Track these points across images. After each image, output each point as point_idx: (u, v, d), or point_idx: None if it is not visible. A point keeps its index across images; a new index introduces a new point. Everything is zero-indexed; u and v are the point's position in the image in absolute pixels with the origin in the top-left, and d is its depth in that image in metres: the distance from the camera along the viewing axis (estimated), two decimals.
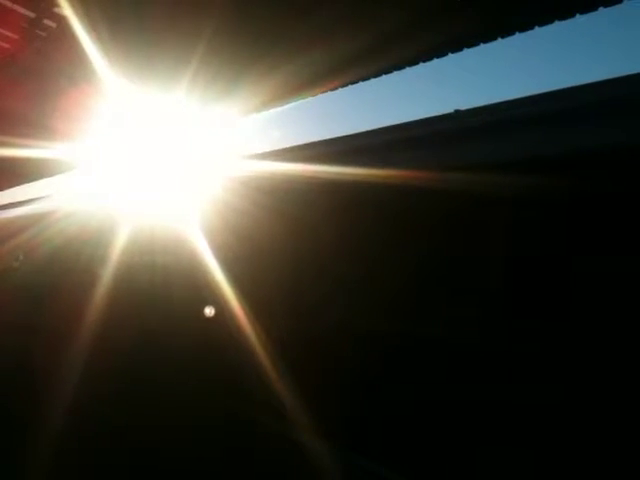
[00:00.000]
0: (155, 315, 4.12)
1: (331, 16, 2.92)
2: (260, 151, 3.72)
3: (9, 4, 3.06)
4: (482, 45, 2.65)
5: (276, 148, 3.51)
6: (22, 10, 3.19)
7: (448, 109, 2.77)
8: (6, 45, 3.54)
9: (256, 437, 3.16)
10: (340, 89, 3.23)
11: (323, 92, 3.31)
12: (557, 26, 2.63)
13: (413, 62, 2.80)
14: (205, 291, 3.70)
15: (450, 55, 2.68)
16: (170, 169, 4.16)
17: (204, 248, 3.77)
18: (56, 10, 3.22)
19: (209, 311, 3.67)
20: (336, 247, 3.09)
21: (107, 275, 4.42)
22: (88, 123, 4.36)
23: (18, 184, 7.81)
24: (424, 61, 2.77)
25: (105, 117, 4.37)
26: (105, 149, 4.60)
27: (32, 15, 3.30)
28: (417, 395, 2.64)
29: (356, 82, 3.05)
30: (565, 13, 2.55)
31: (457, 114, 2.68)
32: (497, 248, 2.56)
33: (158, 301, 4.21)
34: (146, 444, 3.05)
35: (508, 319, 2.44)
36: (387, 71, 2.91)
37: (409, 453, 2.60)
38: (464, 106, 2.63)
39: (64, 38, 3.32)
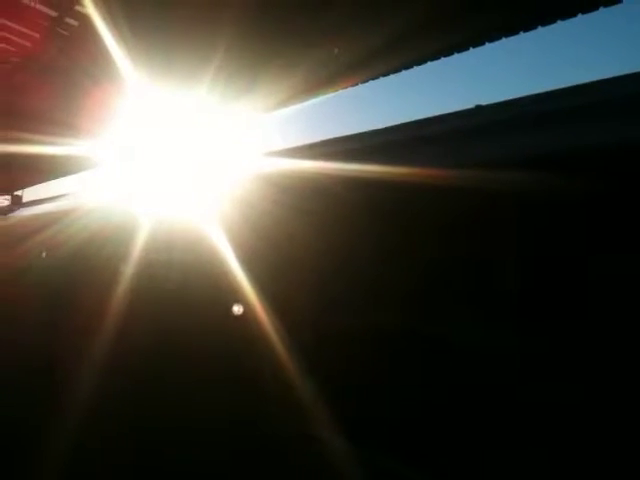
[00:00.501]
0: (175, 312, 4.15)
1: (347, 14, 2.91)
2: (279, 148, 3.71)
3: (31, 3, 3.10)
4: (487, 45, 2.62)
5: (294, 145, 3.50)
6: (44, 9, 3.23)
7: (461, 107, 2.73)
8: (28, 44, 3.59)
9: (272, 436, 3.16)
10: (359, 85, 3.20)
11: (341, 89, 3.28)
12: (560, 25, 2.63)
13: (426, 60, 2.77)
14: (224, 289, 3.71)
15: (456, 55, 2.65)
16: (191, 167, 4.17)
17: (224, 245, 3.77)
18: (78, 9, 3.25)
19: (228, 309, 3.68)
20: (355, 244, 3.06)
21: (128, 272, 4.46)
22: (110, 121, 4.41)
23: (41, 181, 7.95)
24: (440, 57, 2.74)
25: (127, 115, 4.41)
26: (127, 147, 4.64)
27: (54, 14, 3.34)
28: (425, 393, 2.63)
29: (374, 79, 3.02)
30: (566, 13, 2.53)
31: (478, 110, 2.63)
32: (514, 247, 2.53)
33: (178, 298, 4.25)
34: (159, 443, 3.07)
35: (523, 319, 2.40)
36: (403, 68, 2.88)
37: (419, 449, 2.58)
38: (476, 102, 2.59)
39: (86, 36, 3.36)
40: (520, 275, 2.51)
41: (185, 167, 4.14)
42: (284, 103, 3.76)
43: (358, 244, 3.04)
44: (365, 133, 3.06)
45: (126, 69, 3.66)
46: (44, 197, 7.38)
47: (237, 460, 3.04)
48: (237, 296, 3.61)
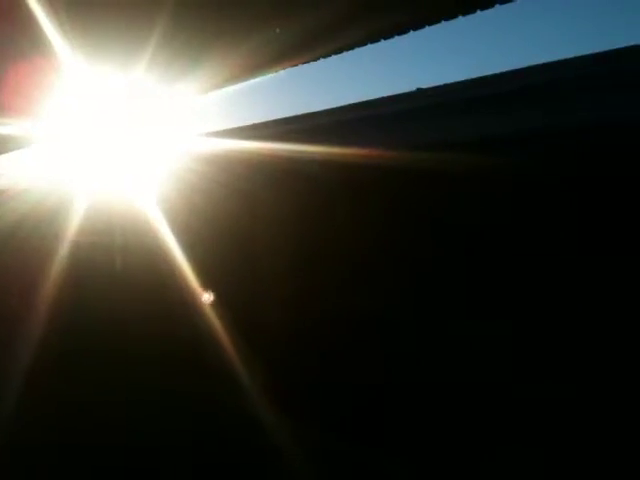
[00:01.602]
0: (115, 296, 4.05)
1: None
2: (221, 129, 3.66)
3: None
4: (428, 28, 2.68)
5: (236, 126, 3.46)
6: None
7: (409, 88, 2.78)
8: None
9: (226, 418, 3.15)
10: (300, 66, 3.19)
11: (282, 69, 3.26)
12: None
13: (376, 39, 2.79)
14: (166, 271, 3.65)
15: (412, 33, 2.69)
16: (129, 147, 4.05)
17: (164, 227, 3.70)
18: None
19: (170, 292, 3.62)
20: (296, 226, 3.08)
21: (62, 255, 4.29)
22: (41, 99, 4.18)
23: None
24: (385, 38, 2.77)
25: (60, 93, 4.20)
26: (60, 126, 4.43)
27: None
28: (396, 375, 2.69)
29: (315, 60, 3.03)
30: None
31: (420, 92, 2.69)
32: (456, 230, 2.60)
33: (117, 282, 4.13)
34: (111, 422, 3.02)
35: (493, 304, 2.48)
36: (349, 48, 2.90)
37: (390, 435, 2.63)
38: (426, 84, 2.65)
39: (13, 3, 3.16)
40: (465, 259, 2.58)
41: (123, 148, 4.01)
42: (225, 83, 3.70)
43: (299, 225, 3.05)
44: (305, 115, 3.07)
45: (59, 44, 3.49)
46: None
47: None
48: (178, 278, 3.56)
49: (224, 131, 3.55)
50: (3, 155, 5.45)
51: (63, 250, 4.29)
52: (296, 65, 3.15)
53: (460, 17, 2.72)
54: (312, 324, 2.98)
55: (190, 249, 3.58)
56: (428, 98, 2.57)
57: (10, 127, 4.70)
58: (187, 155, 3.63)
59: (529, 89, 2.25)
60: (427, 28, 2.83)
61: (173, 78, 3.85)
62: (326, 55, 3.01)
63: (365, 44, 2.94)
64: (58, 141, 4.55)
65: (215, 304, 3.34)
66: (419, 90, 2.80)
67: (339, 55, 2.97)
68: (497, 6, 2.61)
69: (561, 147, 2.18)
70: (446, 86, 2.57)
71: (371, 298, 2.77)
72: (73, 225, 4.31)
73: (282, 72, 3.37)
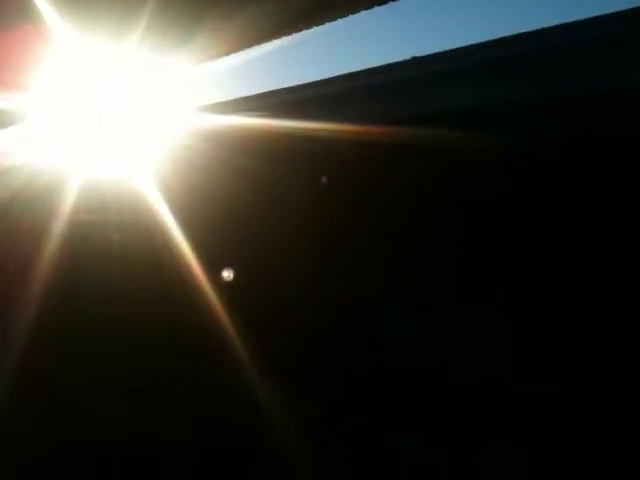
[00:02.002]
0: (111, 275, 4.02)
1: None
2: (216, 102, 3.59)
3: None
4: None
5: (231, 98, 3.39)
6: None
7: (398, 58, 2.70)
8: None
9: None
10: (296, 36, 3.11)
11: (279, 40, 3.18)
12: None
13: (360, 9, 2.72)
14: (160, 248, 3.61)
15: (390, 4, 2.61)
16: (123, 121, 3.97)
17: (158, 203, 3.65)
18: None
19: (165, 269, 3.58)
20: (292, 200, 3.03)
21: (56, 234, 4.25)
22: (31, 71, 4.09)
23: None
24: (374, 6, 2.70)
25: (51, 65, 4.11)
26: (52, 100, 4.35)
27: None
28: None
29: (308, 28, 2.96)
30: None
31: (415, 60, 2.61)
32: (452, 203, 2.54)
33: (112, 261, 4.10)
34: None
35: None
36: (340, 16, 2.82)
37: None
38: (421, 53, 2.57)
39: None
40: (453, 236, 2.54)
41: (117, 121, 3.93)
42: (221, 54, 3.62)
43: (295, 200, 3.00)
44: (300, 86, 2.99)
45: (48, 12, 3.41)
46: None
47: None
48: (175, 257, 3.52)
49: (220, 104, 3.48)
50: None
51: (57, 229, 4.25)
52: (290, 35, 3.08)
53: None
54: (312, 304, 2.96)
55: (187, 226, 3.54)
56: (424, 66, 2.50)
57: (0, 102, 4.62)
58: (183, 129, 3.56)
59: (538, 55, 2.18)
60: None
61: (167, 49, 3.77)
62: (321, 23, 2.93)
63: (356, 12, 2.86)
64: (49, 116, 4.47)
65: (214, 283, 3.30)
66: (414, 58, 2.72)
67: (336, 22, 2.89)
68: None
69: (564, 115, 2.12)
70: (444, 53, 2.49)
71: (371, 279, 2.74)
72: (67, 203, 4.26)
73: (277, 43, 3.29)
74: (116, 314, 3.78)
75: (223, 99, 3.51)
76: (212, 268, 3.41)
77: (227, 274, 3.29)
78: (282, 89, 3.10)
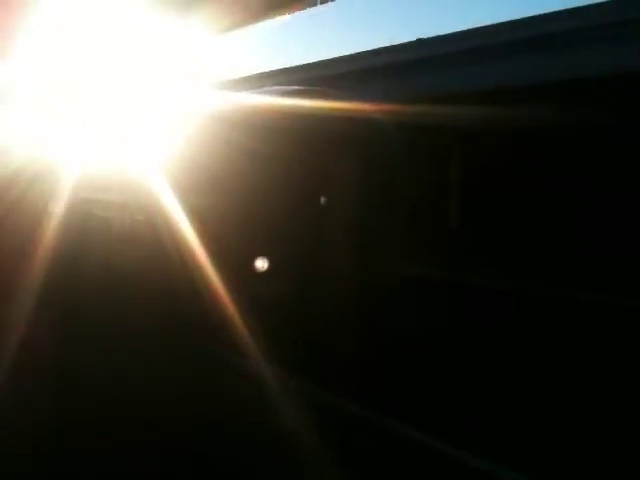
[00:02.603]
0: (112, 249, 4.06)
1: None
2: (226, 78, 3.55)
3: None
4: None
5: (236, 76, 3.37)
6: None
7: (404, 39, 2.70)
8: None
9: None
10: (306, 11, 3.06)
11: (289, 14, 3.12)
12: None
13: None
14: (158, 224, 3.62)
15: None
16: (125, 97, 3.92)
17: (160, 182, 3.64)
18: None
19: (167, 247, 3.60)
20: (296, 178, 3.04)
21: (60, 211, 4.24)
22: (30, 40, 3.98)
23: None
24: None
25: (53, 34, 4.02)
26: (53, 72, 4.27)
27: None
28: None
29: (323, 2, 2.91)
30: None
31: (420, 42, 2.62)
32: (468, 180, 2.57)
33: (113, 237, 4.12)
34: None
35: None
36: None
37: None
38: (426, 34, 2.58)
39: None
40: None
41: (119, 98, 3.88)
42: (231, 27, 3.55)
43: (298, 177, 3.01)
44: (309, 65, 2.98)
45: None
46: None
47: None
48: (175, 235, 3.53)
49: (225, 82, 3.46)
50: None
51: (56, 207, 4.24)
52: (295, 12, 3.03)
53: None
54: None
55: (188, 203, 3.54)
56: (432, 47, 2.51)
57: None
58: (186, 104, 3.54)
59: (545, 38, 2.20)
60: None
61: (177, 18, 3.67)
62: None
63: None
64: (56, 85, 4.36)
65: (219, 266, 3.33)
66: (419, 40, 2.73)
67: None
68: None
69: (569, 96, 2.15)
70: (448, 36, 2.51)
71: None
72: (69, 182, 4.24)
73: (285, 18, 3.23)
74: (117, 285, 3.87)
75: (234, 74, 3.46)
76: (217, 249, 3.44)
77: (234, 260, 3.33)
78: (289, 68, 3.08)
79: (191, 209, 3.44)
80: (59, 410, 2.52)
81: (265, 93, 2.95)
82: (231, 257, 3.25)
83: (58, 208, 4.19)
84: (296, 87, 2.80)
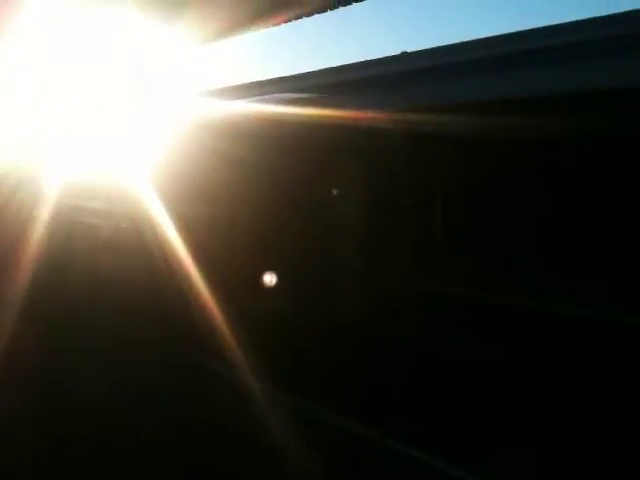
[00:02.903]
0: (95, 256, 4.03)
1: None
2: (209, 87, 3.55)
3: None
4: None
5: (221, 86, 3.37)
6: None
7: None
8: None
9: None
10: (289, 24, 3.09)
11: (272, 26, 3.15)
12: None
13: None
14: (146, 232, 3.59)
15: None
16: (110, 102, 3.88)
17: (144, 188, 3.61)
18: None
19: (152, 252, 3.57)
20: (281, 187, 3.03)
21: (43, 218, 4.19)
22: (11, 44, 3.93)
23: None
24: None
25: (35, 41, 3.97)
26: (35, 79, 4.22)
27: None
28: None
29: (308, 15, 2.93)
30: None
31: (404, 55, 2.63)
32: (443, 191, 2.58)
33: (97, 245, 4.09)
34: None
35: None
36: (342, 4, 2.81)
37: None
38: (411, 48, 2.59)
39: None
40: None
41: (104, 102, 3.85)
42: (214, 37, 3.55)
43: (288, 187, 3.01)
44: (291, 77, 2.98)
45: None
46: None
47: None
48: (163, 244, 3.51)
49: (211, 91, 3.45)
50: None
51: (41, 214, 4.19)
52: (280, 24, 3.05)
53: None
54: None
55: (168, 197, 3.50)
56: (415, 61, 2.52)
57: None
58: (172, 112, 3.52)
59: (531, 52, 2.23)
60: None
61: (161, 27, 3.66)
62: (315, 12, 2.92)
63: (349, 3, 2.85)
64: (38, 92, 4.32)
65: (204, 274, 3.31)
66: (404, 54, 2.74)
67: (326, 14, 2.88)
68: None
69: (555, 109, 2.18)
70: (434, 49, 2.52)
71: None
72: (52, 188, 4.19)
73: (268, 30, 3.26)
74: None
75: (215, 84, 3.48)
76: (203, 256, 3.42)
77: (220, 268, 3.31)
78: (272, 79, 3.09)
79: (185, 220, 3.43)
80: (43, 421, 2.50)
81: (264, 101, 2.94)
82: (225, 268, 3.23)
83: (43, 216, 4.15)
84: (296, 95, 2.80)
